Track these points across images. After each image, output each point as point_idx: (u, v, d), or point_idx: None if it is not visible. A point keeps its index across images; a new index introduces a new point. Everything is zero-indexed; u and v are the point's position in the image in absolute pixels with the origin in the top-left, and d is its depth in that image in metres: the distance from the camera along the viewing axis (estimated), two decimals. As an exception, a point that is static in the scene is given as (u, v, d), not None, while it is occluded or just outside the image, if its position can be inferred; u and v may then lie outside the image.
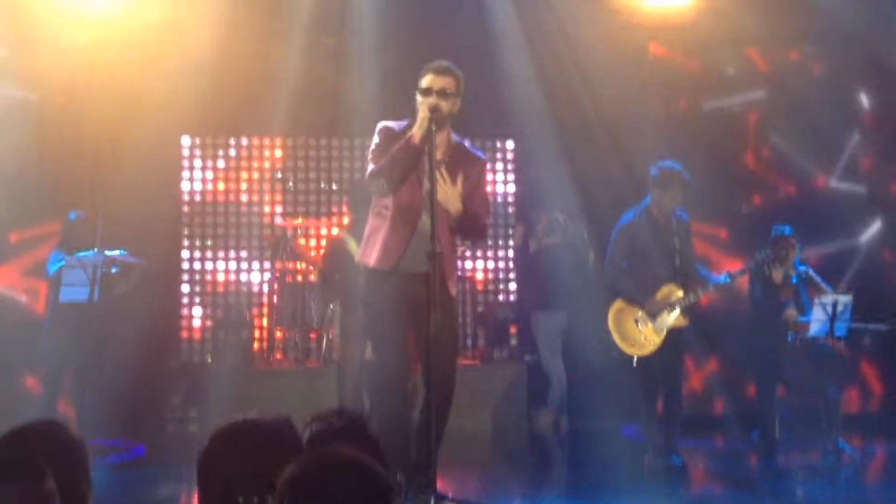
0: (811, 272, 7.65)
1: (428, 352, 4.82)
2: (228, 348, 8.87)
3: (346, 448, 1.97)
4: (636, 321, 6.59)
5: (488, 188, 5.52)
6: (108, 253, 7.06)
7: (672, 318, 6.53)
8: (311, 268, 8.76)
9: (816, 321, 7.06)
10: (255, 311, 9.32)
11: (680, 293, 6.55)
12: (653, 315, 6.55)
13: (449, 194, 4.90)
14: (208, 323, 9.27)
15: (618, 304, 6.67)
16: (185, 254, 9.30)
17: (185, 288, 9.28)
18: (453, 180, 5.00)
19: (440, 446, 5.07)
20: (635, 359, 6.60)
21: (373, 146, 5.08)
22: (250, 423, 2.32)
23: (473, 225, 5.16)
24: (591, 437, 8.14)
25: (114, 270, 7.20)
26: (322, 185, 9.56)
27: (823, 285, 7.49)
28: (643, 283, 6.57)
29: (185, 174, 9.36)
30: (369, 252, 5.07)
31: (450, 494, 5.17)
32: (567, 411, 8.51)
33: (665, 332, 6.53)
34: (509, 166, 9.79)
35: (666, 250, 6.61)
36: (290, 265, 8.94)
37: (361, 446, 2.16)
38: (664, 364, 6.59)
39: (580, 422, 8.44)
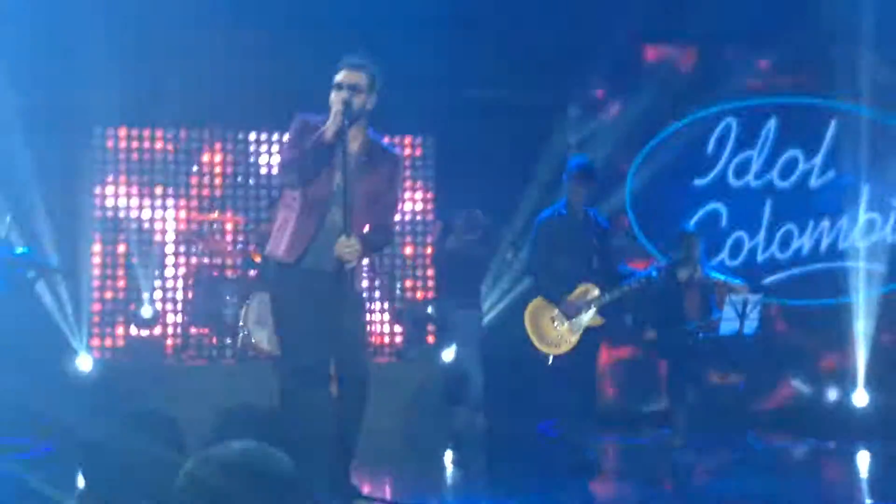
0: (716, 273, 7.82)
1: (337, 349, 4.81)
2: (141, 345, 8.71)
3: (243, 442, 1.92)
4: (552, 320, 6.63)
5: (401, 187, 5.48)
6: (16, 251, 6.92)
7: (588, 317, 6.58)
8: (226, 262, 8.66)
9: (727, 320, 7.20)
10: (169, 307, 9.17)
11: (596, 292, 6.61)
12: (569, 314, 6.59)
13: (346, 245, 4.84)
14: (121, 319, 9.10)
15: (535, 303, 6.71)
16: (96, 248, 9.12)
17: (97, 283, 9.10)
18: (366, 176, 4.98)
19: (357, 443, 5.04)
20: (551, 357, 6.65)
21: (287, 137, 5.06)
22: (139, 416, 2.29)
23: (376, 244, 5.16)
24: (508, 435, 8.18)
25: (30, 275, 7.07)
26: (238, 180, 9.45)
27: (733, 283, 7.65)
28: (560, 282, 6.61)
29: (97, 166, 9.17)
30: (277, 245, 5.03)
31: (364, 492, 5.15)
32: (483, 409, 8.54)
33: (581, 332, 6.58)
34: (429, 162, 9.80)
35: (583, 249, 6.66)
36: (205, 260, 8.82)
37: (269, 440, 2.12)
38: (579, 362, 6.64)
39: (496, 419, 8.49)
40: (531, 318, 6.67)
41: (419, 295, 9.73)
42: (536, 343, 6.65)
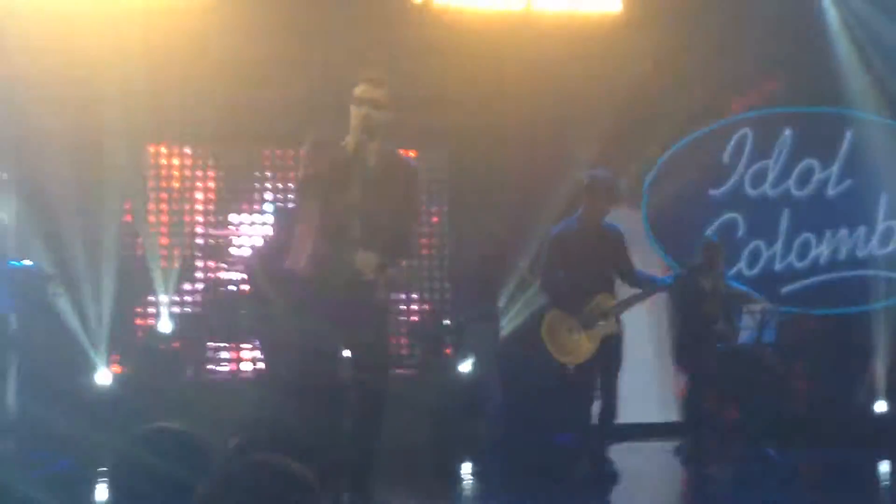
0: (737, 283, 7.81)
1: (356, 360, 4.83)
2: (160, 360, 8.74)
3: (261, 455, 1.95)
4: (570, 330, 6.62)
5: (419, 199, 5.51)
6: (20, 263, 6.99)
7: (606, 326, 6.57)
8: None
9: (745, 329, 7.18)
10: (188, 321, 9.19)
11: (612, 302, 6.60)
12: (586, 324, 6.58)
13: (364, 258, 4.86)
14: (139, 333, 9.13)
15: (552, 314, 6.70)
16: (115, 262, 9.13)
17: (116, 297, 9.12)
18: (384, 189, 5.00)
19: (376, 456, 5.05)
20: (570, 367, 6.63)
21: (304, 153, 5.08)
22: (164, 431, 2.31)
23: (394, 256, 5.17)
24: (526, 446, 8.17)
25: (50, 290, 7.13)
26: (256, 195, 9.48)
27: (752, 294, 7.63)
28: (576, 292, 6.61)
29: (117, 181, 9.21)
30: (296, 259, 5.05)
31: (383, 505, 5.15)
32: (501, 421, 8.53)
33: (599, 341, 6.57)
34: (444, 174, 9.80)
35: (598, 260, 6.65)
36: (223, 274, 8.85)
37: (288, 454, 2.14)
38: (599, 371, 6.63)
39: (515, 430, 8.47)
40: (548, 330, 6.66)
41: (436, 307, 9.73)
42: (555, 354, 6.64)
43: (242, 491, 1.90)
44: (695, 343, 7.49)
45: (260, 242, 8.89)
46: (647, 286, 6.76)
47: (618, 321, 6.61)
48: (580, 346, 6.58)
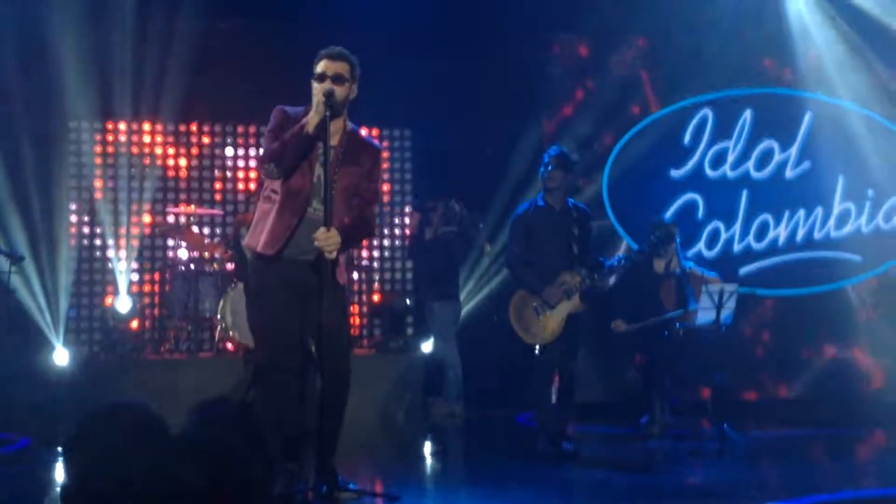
0: (694, 266, 7.87)
1: (319, 340, 4.81)
2: (118, 339, 8.68)
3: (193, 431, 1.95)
4: (536, 310, 6.63)
5: (381, 179, 5.48)
6: None
7: (569, 304, 6.59)
8: (204, 256, 8.63)
9: (703, 310, 7.25)
10: (146, 300, 9.14)
11: (577, 280, 6.62)
12: (551, 303, 6.60)
13: (326, 237, 4.81)
14: (98, 313, 9.06)
15: (518, 295, 6.71)
16: (72, 241, 9.07)
17: (73, 276, 9.05)
18: (347, 166, 4.98)
19: (339, 435, 5.05)
20: (537, 347, 6.63)
21: (267, 130, 5.03)
22: (116, 407, 2.30)
23: (356, 236, 5.14)
24: (487, 425, 8.21)
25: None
26: (216, 173, 9.44)
27: (709, 275, 7.70)
28: (541, 272, 6.63)
29: (72, 160, 9.13)
30: (256, 237, 5.01)
31: (347, 483, 5.15)
32: (462, 400, 8.56)
33: (563, 319, 6.59)
34: (406, 154, 9.81)
35: (562, 238, 6.67)
36: (182, 253, 8.79)
37: (243, 433, 2.14)
38: (561, 350, 6.65)
39: (475, 410, 8.51)
40: (515, 311, 6.67)
41: (397, 287, 9.74)
42: (522, 334, 6.64)
43: (173, 467, 1.90)
44: (649, 324, 7.56)
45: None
46: (603, 267, 6.79)
47: (581, 299, 6.63)
48: (546, 326, 6.60)
